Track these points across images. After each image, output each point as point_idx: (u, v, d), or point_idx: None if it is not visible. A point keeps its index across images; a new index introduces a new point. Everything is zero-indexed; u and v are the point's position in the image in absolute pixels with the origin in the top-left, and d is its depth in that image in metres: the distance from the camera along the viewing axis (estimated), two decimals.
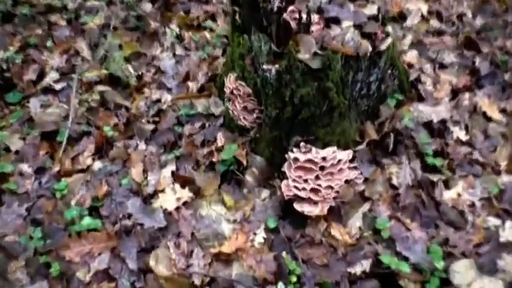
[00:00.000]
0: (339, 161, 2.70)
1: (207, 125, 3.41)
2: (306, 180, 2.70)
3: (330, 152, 2.71)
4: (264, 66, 2.69)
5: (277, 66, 2.65)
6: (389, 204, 2.77)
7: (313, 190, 2.69)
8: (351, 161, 2.79)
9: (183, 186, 3.04)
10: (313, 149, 2.74)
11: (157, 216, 2.92)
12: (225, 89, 3.16)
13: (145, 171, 3.25)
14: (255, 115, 3.02)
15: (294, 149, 2.78)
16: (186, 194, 3.00)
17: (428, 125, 3.29)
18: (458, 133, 3.32)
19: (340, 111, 2.73)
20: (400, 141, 3.11)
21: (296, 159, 2.73)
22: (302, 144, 2.77)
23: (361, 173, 2.82)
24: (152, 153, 3.36)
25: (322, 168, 2.69)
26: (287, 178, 2.78)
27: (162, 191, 3.07)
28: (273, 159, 2.97)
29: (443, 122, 3.34)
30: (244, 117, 3.06)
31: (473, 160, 3.16)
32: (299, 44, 2.66)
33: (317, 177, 2.70)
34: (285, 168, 2.81)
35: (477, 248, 2.70)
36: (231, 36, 3.14)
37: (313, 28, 2.77)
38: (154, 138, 3.47)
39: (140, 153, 3.37)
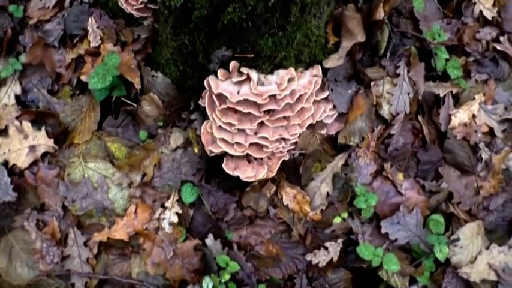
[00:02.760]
0: (300, 96, 1.52)
1: (67, 1, 1.93)
2: (241, 130, 1.56)
3: (283, 80, 1.49)
4: None
5: None
6: (374, 152, 1.75)
7: (254, 145, 1.59)
8: (321, 87, 1.61)
9: (37, 125, 1.80)
10: (253, 75, 1.50)
11: (1, 180, 1.77)
12: None
13: None
14: None
15: (219, 73, 1.53)
16: (44, 140, 1.79)
17: None
18: (483, 3, 2.10)
19: (303, 2, 1.40)
20: (395, 31, 1.89)
21: (222, 97, 1.51)
22: (233, 65, 1.51)
23: (334, 107, 1.69)
24: None
25: (269, 111, 1.53)
26: (209, 119, 1.61)
27: (4, 131, 1.83)
28: (184, 79, 1.72)
29: None
30: (126, 0, 1.64)
31: (499, 52, 2.06)
32: None
33: (261, 125, 1.56)
34: (204, 102, 1.61)
35: (488, 200, 1.88)
36: None
37: None
38: None
39: None
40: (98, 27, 1.84)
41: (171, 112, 1.76)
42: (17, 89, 1.85)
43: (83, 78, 1.79)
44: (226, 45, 1.49)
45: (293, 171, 1.72)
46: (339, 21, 1.70)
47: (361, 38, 1.65)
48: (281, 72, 1.52)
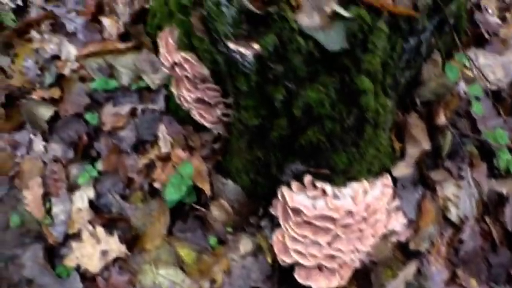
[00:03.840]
0: (374, 209, 1.55)
1: (139, 109, 2.06)
2: (315, 242, 1.58)
3: (357, 194, 1.53)
4: (231, 46, 1.31)
5: (256, 46, 1.28)
6: (445, 258, 1.73)
7: (328, 256, 1.59)
8: (391, 195, 1.64)
9: (109, 230, 1.86)
10: (328, 189, 1.54)
11: (73, 284, 1.80)
12: (160, 50, 1.76)
13: (46, 195, 2.00)
14: (219, 111, 1.71)
15: (293, 186, 1.58)
16: (116, 245, 1.84)
17: (494, 94, 2.09)
18: None
19: (376, 122, 1.47)
20: (454, 131, 1.93)
21: (298, 211, 1.55)
22: (308, 179, 1.57)
23: (404, 214, 1.70)
24: (56, 160, 2.07)
25: (345, 224, 1.55)
26: (280, 226, 1.64)
27: (77, 235, 1.89)
28: (255, 188, 1.78)
29: None
30: (201, 114, 1.74)
31: None
32: None
33: (336, 236, 1.58)
34: (276, 211, 1.65)
35: None
36: None
37: None
38: (56, 130, 2.12)
39: (37, 160, 2.07)
40: (168, 134, 1.95)
41: (240, 218, 1.80)
42: (90, 193, 1.94)
43: (156, 185, 1.86)
44: (301, 160, 1.55)
45: (364, 279, 1.71)
46: (401, 127, 1.76)
47: (426, 145, 1.70)
48: (355, 185, 1.56)
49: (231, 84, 1.51)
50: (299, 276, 1.64)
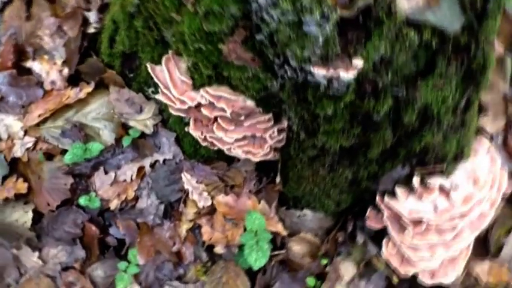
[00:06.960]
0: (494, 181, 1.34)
1: (147, 166, 1.58)
2: (441, 242, 1.35)
3: (477, 175, 1.30)
4: (320, 72, 0.91)
5: (359, 62, 0.90)
6: None
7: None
8: None
9: None
10: (445, 183, 1.28)
11: None
12: (163, 91, 1.29)
13: None
14: (270, 141, 1.32)
15: (399, 192, 1.30)
16: None
17: None
18: None
19: (483, 89, 1.20)
20: None
21: (418, 223, 1.29)
22: (417, 180, 1.28)
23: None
24: (66, 268, 1.57)
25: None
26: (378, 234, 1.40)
27: None
28: (337, 206, 1.47)
29: None
30: (248, 151, 1.34)
31: None
32: None
33: (462, 229, 1.36)
34: (377, 223, 1.39)
35: None
36: None
37: None
38: (46, 232, 1.60)
39: (40, 280, 1.57)
40: (197, 182, 1.53)
41: (329, 243, 1.52)
42: None
43: (219, 250, 1.49)
44: (402, 164, 1.26)
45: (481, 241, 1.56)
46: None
47: (505, 88, 1.48)
48: (467, 166, 1.31)
49: (296, 112, 1.12)
50: (425, 279, 1.43)
